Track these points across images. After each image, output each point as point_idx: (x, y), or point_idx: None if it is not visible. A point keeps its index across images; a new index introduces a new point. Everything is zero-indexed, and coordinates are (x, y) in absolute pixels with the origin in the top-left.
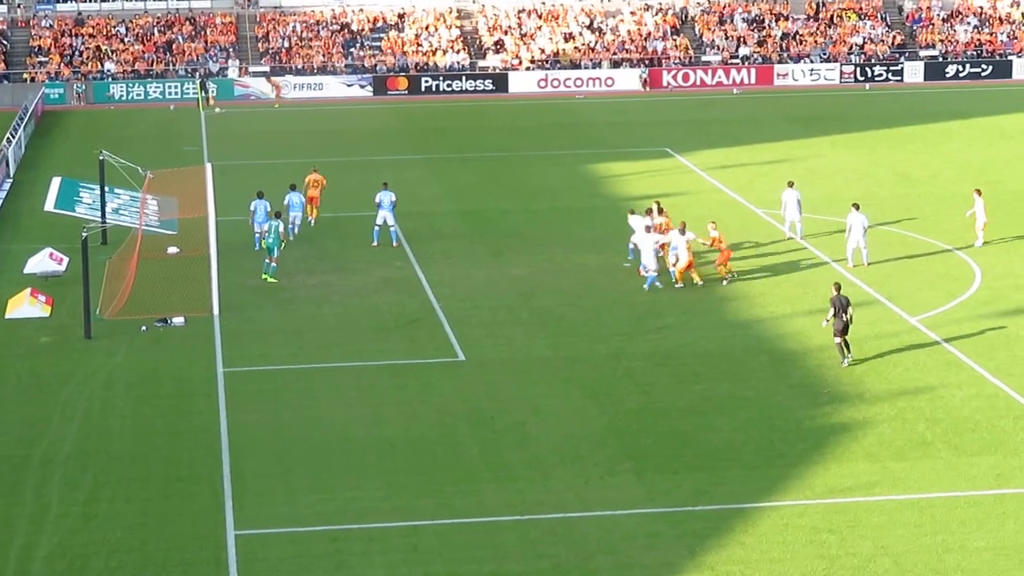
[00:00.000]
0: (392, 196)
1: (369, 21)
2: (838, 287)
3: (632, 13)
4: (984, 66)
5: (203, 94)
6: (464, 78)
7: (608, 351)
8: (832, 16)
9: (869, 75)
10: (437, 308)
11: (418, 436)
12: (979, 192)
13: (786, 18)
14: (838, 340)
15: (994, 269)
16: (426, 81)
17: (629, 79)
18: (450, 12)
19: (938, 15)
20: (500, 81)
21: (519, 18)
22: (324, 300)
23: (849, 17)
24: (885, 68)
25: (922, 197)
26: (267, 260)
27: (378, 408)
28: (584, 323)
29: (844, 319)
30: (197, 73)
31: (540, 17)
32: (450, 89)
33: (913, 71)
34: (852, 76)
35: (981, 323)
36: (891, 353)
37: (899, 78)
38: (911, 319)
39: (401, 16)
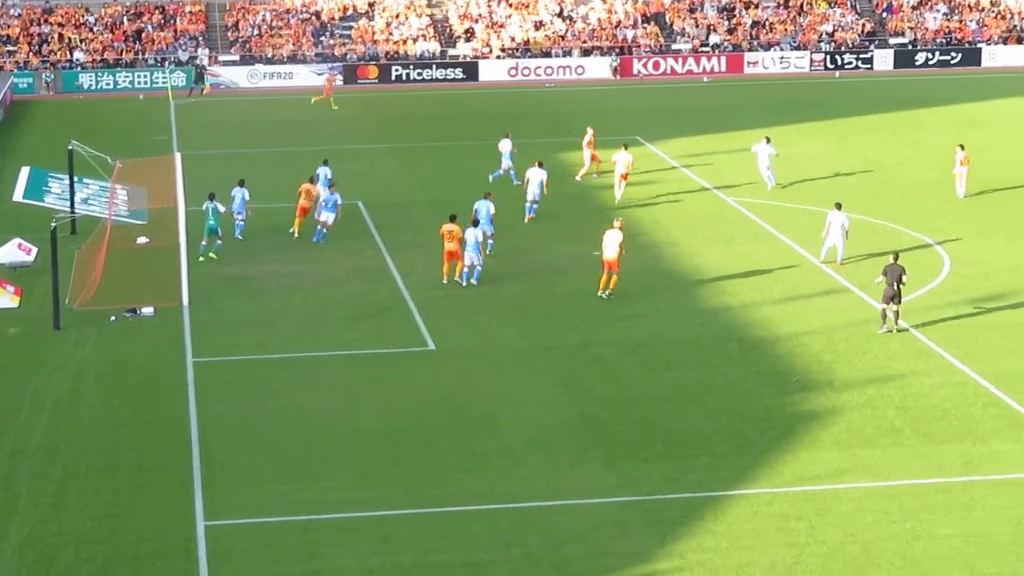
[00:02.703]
0: (490, 207)
1: (339, 10)
2: (895, 255)
3: (603, 1)
4: (953, 54)
5: (199, 84)
6: (434, 67)
7: (578, 340)
8: (802, 4)
9: (839, 63)
10: (407, 297)
11: (388, 425)
12: (962, 147)
13: (756, 6)
14: (882, 307)
15: (963, 257)
16: (396, 70)
17: (600, 67)
18: (420, 0)
19: (907, 3)
20: (470, 70)
21: (489, 6)
22: (295, 290)
23: (819, 5)
24: (855, 56)
25: (892, 185)
26: (216, 240)
27: (348, 397)
28: (554, 312)
29: (895, 288)
30: (192, 63)
31: (510, 5)
32: (421, 78)
33: (883, 59)
34: (822, 64)
35: (950, 311)
36: (860, 341)
37: (869, 66)
38: (880, 306)
39: (371, 5)
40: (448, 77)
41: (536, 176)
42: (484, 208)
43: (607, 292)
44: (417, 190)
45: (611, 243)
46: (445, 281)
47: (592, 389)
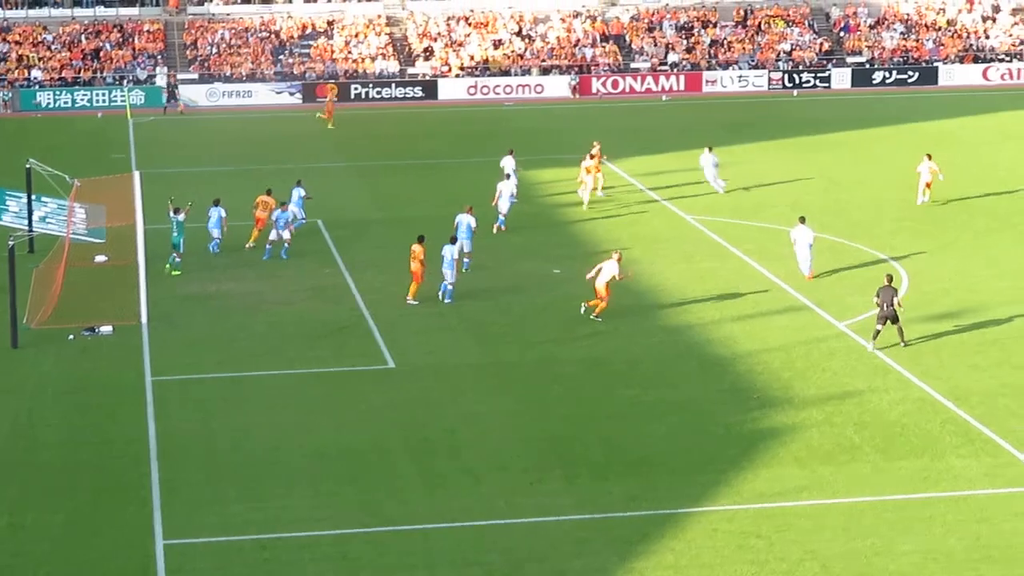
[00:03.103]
0: (471, 221)
1: (298, 28)
2: (889, 278)
3: (562, 20)
4: (910, 73)
5: (173, 102)
6: (394, 85)
7: (538, 358)
8: (760, 23)
9: (797, 81)
10: (367, 315)
11: (348, 444)
12: (929, 156)
13: (714, 25)
14: (879, 327)
15: (922, 274)
16: (356, 88)
17: (559, 86)
18: (379, 19)
19: (865, 22)
20: (430, 88)
21: (448, 25)
22: (254, 308)
23: (777, 24)
24: (813, 75)
25: (850, 203)
26: (175, 255)
27: (308, 416)
28: (514, 330)
29: (887, 309)
30: (166, 81)
31: (469, 24)
32: (380, 96)
33: (840, 77)
34: (780, 82)
35: (909, 328)
36: (819, 358)
37: (827, 84)
38: (839, 324)
39: (330, 23)
40: (407, 96)
41: (507, 188)
42: (466, 223)
43: (592, 314)
44: (376, 208)
45: (604, 273)
46: (411, 301)
47: (552, 407)
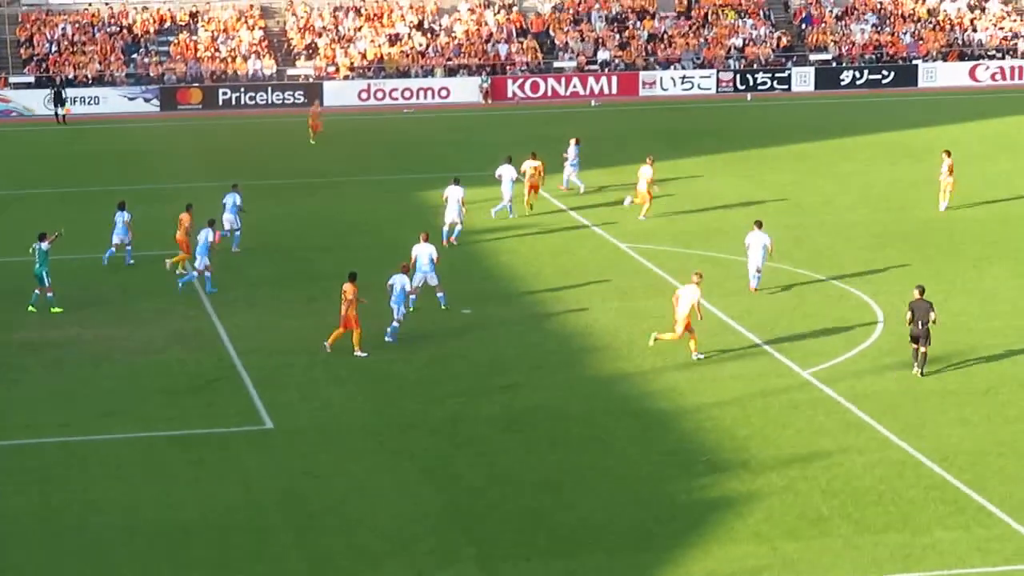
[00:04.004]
0: (433, 252)
1: (155, 21)
2: (921, 290)
3: (471, 11)
4: (885, 72)
5: (59, 106)
6: (270, 89)
7: (445, 415)
8: (707, 14)
9: (751, 83)
10: (239, 366)
11: (218, 521)
12: (948, 153)
13: (652, 16)
14: (914, 347)
15: (899, 311)
16: (224, 93)
17: (467, 89)
18: (252, 10)
19: (831, 12)
20: (313, 93)
21: (335, 17)
22: (103, 358)
23: (726, 15)
24: (769, 75)
25: (814, 227)
26: (37, 291)
27: (169, 488)
28: (416, 382)
29: (921, 328)
30: (49, 83)
31: (360, 16)
32: (253, 103)
33: (802, 78)
34: (731, 84)
35: (885, 376)
36: (780, 413)
37: (786, 86)
38: (803, 372)
39: (193, 15)
40: (286, 101)
41: (455, 194)
42: (427, 254)
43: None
44: (249, 236)
45: (683, 301)
46: (359, 353)
47: (462, 475)
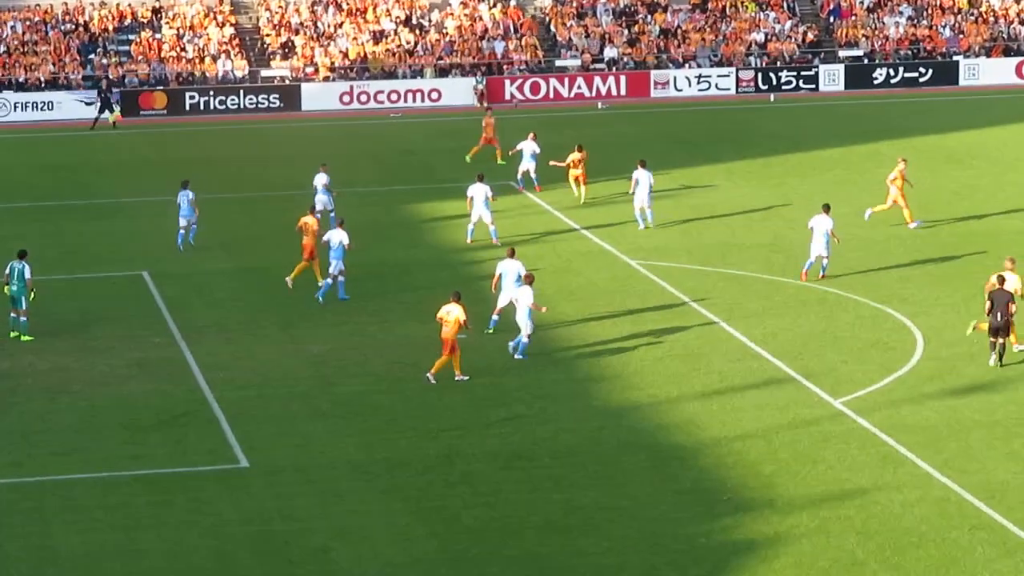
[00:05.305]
0: (521, 268)
1: (114, 19)
2: (1001, 279)
3: (463, 4)
4: (922, 69)
5: (106, 113)
6: (242, 92)
7: (439, 451)
8: (724, 6)
9: (774, 83)
10: (210, 398)
11: (186, 571)
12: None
13: (664, 9)
14: (992, 339)
15: (941, 335)
16: (191, 97)
17: (460, 91)
18: (222, 5)
19: (861, 3)
20: (290, 96)
21: (313, 12)
22: (60, 390)
23: (747, 7)
24: (794, 74)
25: (846, 242)
26: (13, 314)
27: (133, 534)
28: (406, 415)
29: (1001, 320)
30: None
31: (341, 11)
32: (224, 107)
33: (831, 77)
34: (752, 84)
35: (926, 406)
36: (810, 446)
37: (813, 86)
38: (834, 401)
39: (156, 12)
40: (260, 106)
41: (480, 192)
42: (514, 271)
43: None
44: (221, 256)
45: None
46: (460, 377)
47: (457, 517)
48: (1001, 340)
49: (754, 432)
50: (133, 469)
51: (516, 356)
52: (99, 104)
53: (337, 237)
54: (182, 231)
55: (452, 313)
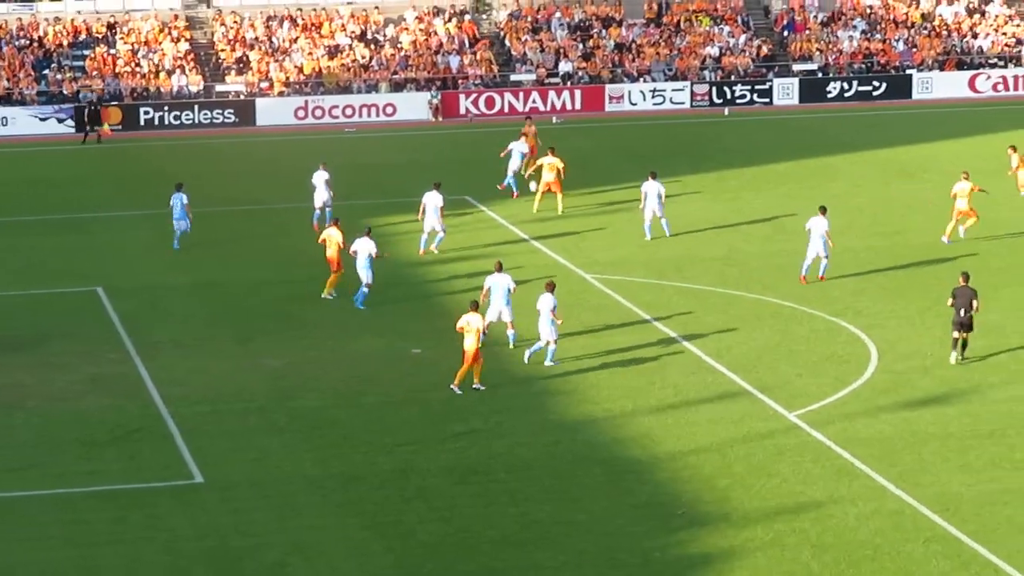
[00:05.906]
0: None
1: (68, 34)
2: (966, 276)
3: (418, 19)
4: (876, 83)
5: (94, 127)
6: (197, 108)
7: (394, 466)
8: (679, 20)
9: (728, 97)
10: (165, 414)
11: None
12: (1014, 149)
13: (619, 24)
14: (955, 335)
15: (895, 348)
16: (146, 112)
17: (415, 106)
18: (176, 20)
19: (816, 18)
20: (245, 111)
21: (268, 27)
22: (14, 406)
23: (701, 22)
24: (749, 87)
25: (800, 254)
26: None
27: (88, 550)
28: (363, 429)
29: (964, 315)
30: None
31: (296, 26)
32: (178, 122)
33: (785, 90)
34: (706, 98)
35: (880, 418)
36: (764, 460)
37: (767, 100)
38: (789, 415)
39: (111, 27)
40: (215, 121)
41: (433, 201)
42: (503, 286)
43: None
44: (176, 271)
45: None
46: (477, 386)
47: (413, 531)
48: (964, 336)
49: (709, 446)
50: (89, 485)
51: (547, 363)
52: (87, 120)
53: (364, 247)
54: (177, 233)
55: (472, 324)
